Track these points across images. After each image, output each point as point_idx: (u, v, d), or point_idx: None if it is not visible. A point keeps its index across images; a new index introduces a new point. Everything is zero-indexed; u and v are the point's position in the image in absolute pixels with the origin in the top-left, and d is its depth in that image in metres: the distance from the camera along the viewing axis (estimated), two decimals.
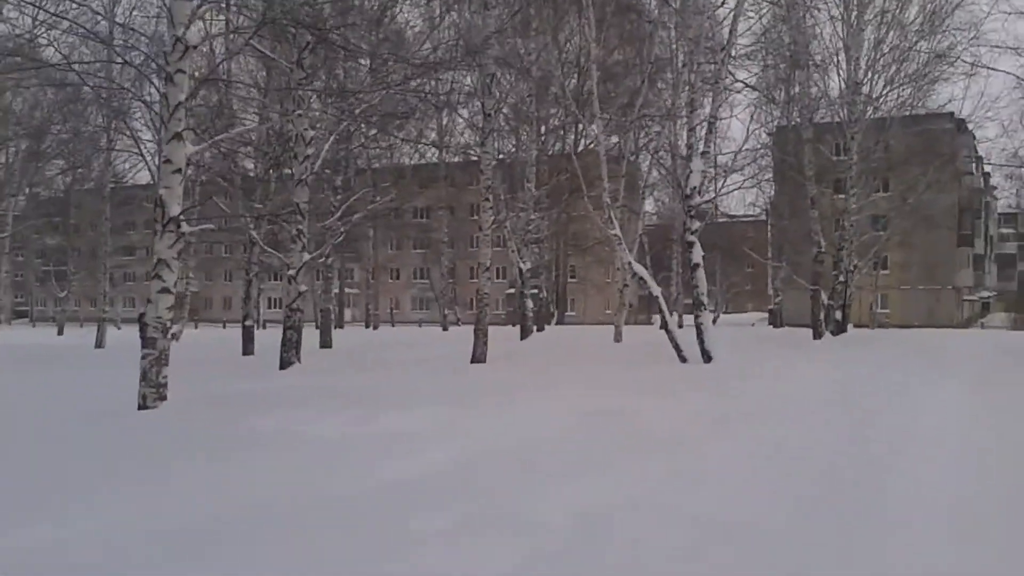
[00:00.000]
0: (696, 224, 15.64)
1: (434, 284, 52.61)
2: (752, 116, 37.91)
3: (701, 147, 15.85)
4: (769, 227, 43.74)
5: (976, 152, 56.67)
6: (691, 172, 15.76)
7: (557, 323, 47.43)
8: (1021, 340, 28.42)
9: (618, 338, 23.00)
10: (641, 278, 15.98)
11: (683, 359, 15.25)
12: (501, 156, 32.69)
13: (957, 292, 55.83)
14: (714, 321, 52.89)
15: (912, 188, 39.14)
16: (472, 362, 16.04)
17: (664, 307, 15.68)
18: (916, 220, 43.13)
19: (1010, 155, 54.77)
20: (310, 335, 20.01)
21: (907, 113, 37.15)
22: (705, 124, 15.96)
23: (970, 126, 48.09)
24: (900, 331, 41.42)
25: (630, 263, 16.15)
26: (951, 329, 46.65)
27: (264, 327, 42.90)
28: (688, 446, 6.73)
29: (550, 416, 8.22)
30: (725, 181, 25.33)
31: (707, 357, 15.12)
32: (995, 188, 68.54)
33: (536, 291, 52.66)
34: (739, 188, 28.83)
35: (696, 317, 15.45)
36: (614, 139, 28.36)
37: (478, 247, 16.65)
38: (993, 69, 23.67)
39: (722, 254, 51.58)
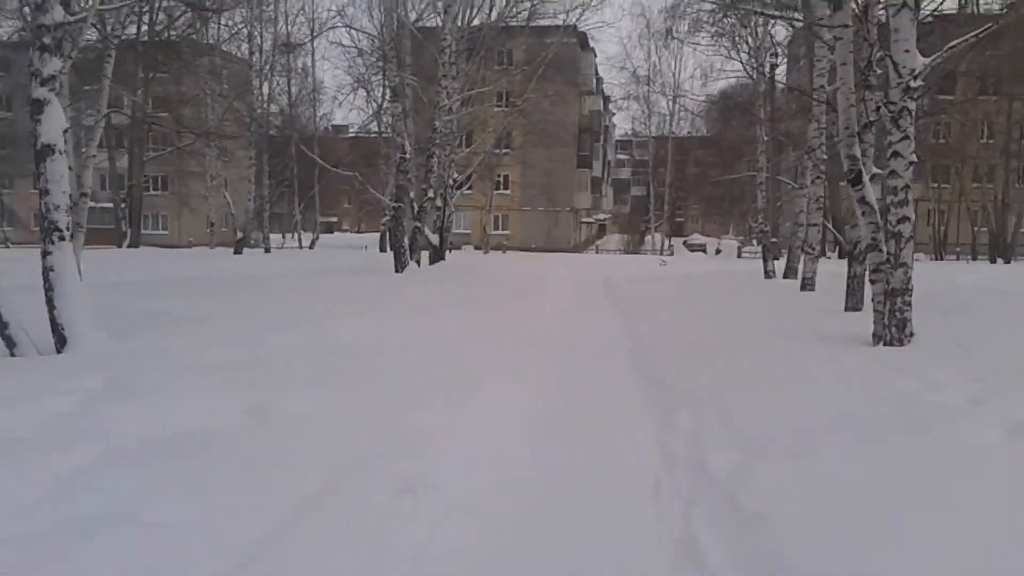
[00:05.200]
0: None
1: None
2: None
3: None
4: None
5: (597, 72, 54.19)
6: None
7: (130, 245, 36.84)
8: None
9: None
10: None
11: (10, 345, 7.04)
12: None
13: (575, 214, 53.50)
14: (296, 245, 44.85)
15: (534, 103, 34.14)
16: None
17: None
18: (536, 138, 38.56)
19: (628, 75, 53.17)
20: None
21: (529, 22, 31.96)
22: None
23: (591, 42, 44.71)
24: (511, 254, 37.16)
25: None
26: (566, 253, 43.53)
27: None
28: None
29: None
30: None
31: (59, 340, 7.11)
32: (614, 114, 68.06)
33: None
34: None
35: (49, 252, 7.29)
36: None
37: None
38: None
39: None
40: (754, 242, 52.56)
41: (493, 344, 8.07)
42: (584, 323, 10.47)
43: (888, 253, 7.29)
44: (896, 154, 7.20)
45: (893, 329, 7.18)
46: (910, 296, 7.20)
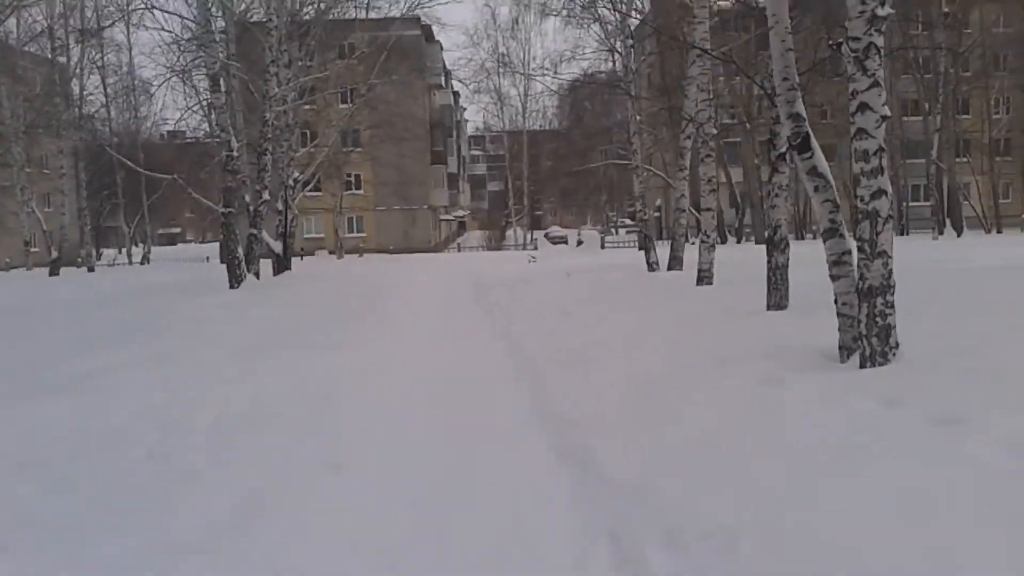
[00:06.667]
0: None
1: None
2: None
3: None
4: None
5: (445, 65, 51.86)
6: None
7: None
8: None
9: None
10: None
11: None
12: None
13: (433, 212, 51.05)
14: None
15: (380, 95, 31.43)
16: None
17: None
18: (386, 133, 35.82)
19: (477, 67, 51.24)
20: None
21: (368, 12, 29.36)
22: None
23: (436, 33, 42.33)
24: (368, 257, 34.26)
25: None
26: (426, 253, 41.09)
27: None
28: None
29: None
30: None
31: None
32: (465, 109, 66.10)
33: None
34: None
35: None
36: None
37: None
38: None
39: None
40: (614, 231, 51.97)
41: (330, 406, 5.66)
42: (459, 355, 8.15)
43: (860, 239, 5.39)
44: (864, 107, 5.30)
45: (874, 340, 5.28)
46: (892, 295, 5.33)
